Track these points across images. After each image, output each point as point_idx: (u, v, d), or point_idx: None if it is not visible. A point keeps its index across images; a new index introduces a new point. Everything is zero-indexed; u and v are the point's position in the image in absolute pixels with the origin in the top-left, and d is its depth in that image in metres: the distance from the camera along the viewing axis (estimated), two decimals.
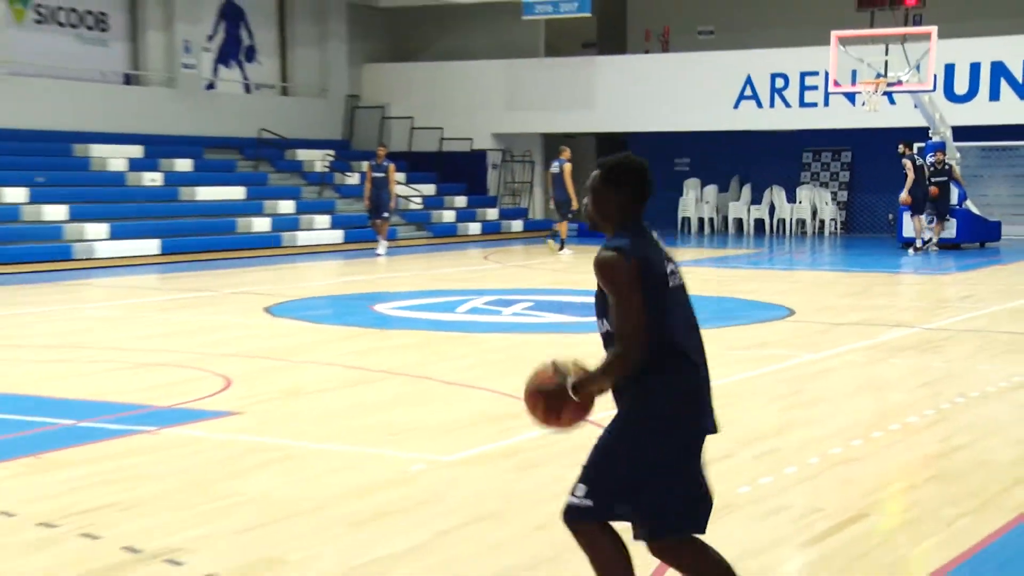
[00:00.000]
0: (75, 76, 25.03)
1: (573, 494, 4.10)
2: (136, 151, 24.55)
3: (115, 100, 25.44)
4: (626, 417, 4.10)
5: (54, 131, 23.85)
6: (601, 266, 4.00)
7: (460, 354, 11.28)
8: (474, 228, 28.39)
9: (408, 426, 8.02)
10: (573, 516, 4.10)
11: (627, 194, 4.15)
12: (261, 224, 24.21)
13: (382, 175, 22.78)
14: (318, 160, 28.20)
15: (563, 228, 23.58)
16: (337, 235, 25.02)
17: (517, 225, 29.56)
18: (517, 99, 29.67)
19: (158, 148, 25.06)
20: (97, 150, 23.95)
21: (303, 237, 24.40)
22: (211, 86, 28.15)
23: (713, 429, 4.10)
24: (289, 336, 12.53)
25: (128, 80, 26.48)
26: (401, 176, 28.28)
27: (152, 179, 24.02)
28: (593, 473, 4.11)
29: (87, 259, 20.44)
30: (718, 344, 10.47)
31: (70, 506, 6.04)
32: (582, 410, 4.14)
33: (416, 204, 28.22)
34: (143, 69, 26.44)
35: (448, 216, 28.47)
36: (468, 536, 5.64)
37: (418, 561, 5.28)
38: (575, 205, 22.53)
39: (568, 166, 22.95)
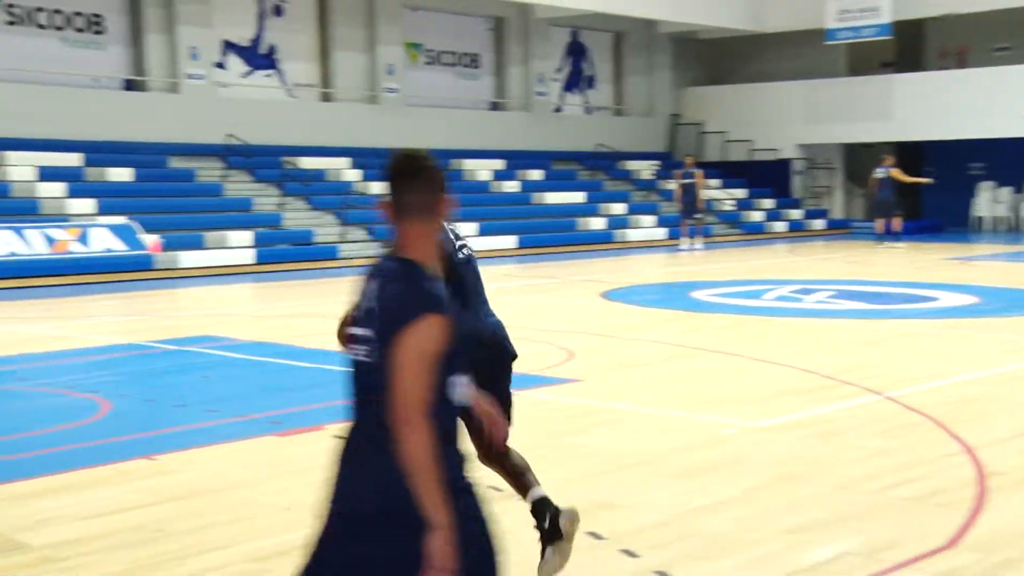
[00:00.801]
0: (453, 105, 26.21)
1: None
2: (499, 164, 25.43)
3: (483, 123, 26.47)
4: None
5: (436, 149, 25.06)
6: None
7: (767, 335, 10.99)
8: (780, 226, 27.59)
9: (721, 395, 7.90)
10: None
11: None
12: (597, 223, 24.51)
13: (691, 181, 22.58)
14: (645, 169, 28.33)
15: (897, 222, 22.83)
16: (661, 232, 24.97)
17: (819, 224, 28.50)
18: (819, 113, 28.60)
19: (516, 161, 25.87)
20: (468, 164, 24.99)
21: (632, 234, 24.52)
22: (558, 109, 28.74)
23: None
24: (621, 317, 12.61)
25: (494, 107, 27.47)
26: (716, 182, 27.89)
27: (511, 187, 24.81)
28: None
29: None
30: None
31: None
32: None
33: (729, 206, 27.77)
34: (507, 97, 27.35)
35: (757, 216, 27.81)
36: (774, 492, 5.49)
37: (730, 511, 5.19)
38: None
39: (895, 171, 22.28)
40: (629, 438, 6.68)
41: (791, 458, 6.13)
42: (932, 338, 10.73)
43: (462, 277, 4.07)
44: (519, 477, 4.31)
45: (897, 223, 23.02)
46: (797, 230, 27.72)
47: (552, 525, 4.12)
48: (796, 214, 28.58)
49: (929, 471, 5.80)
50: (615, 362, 9.43)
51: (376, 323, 2.64)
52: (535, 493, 4.23)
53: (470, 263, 4.19)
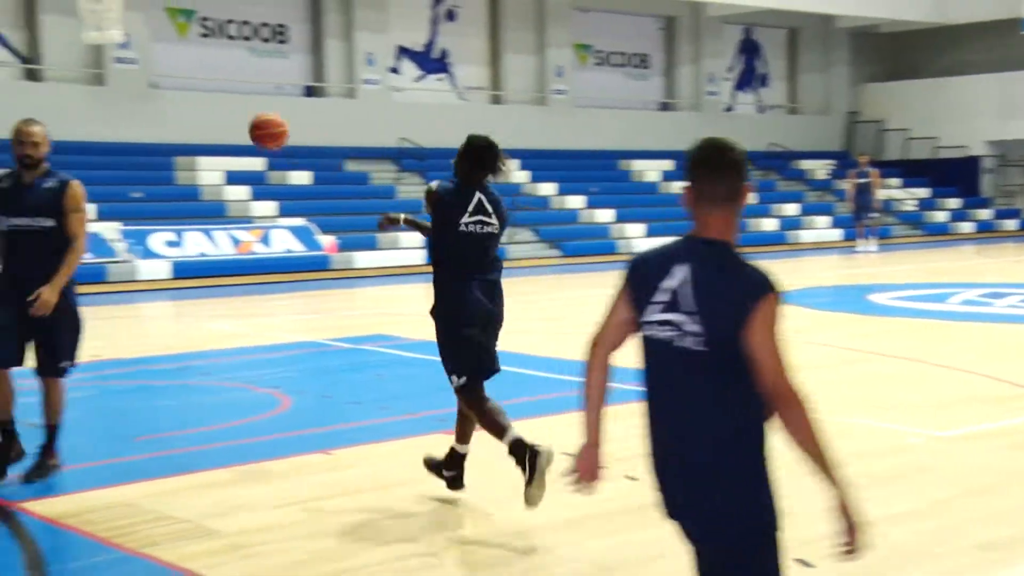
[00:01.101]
0: (622, 106, 26.09)
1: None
2: (668, 165, 25.14)
3: (652, 123, 26.24)
4: None
5: (605, 150, 25.00)
6: None
7: (952, 340, 10.47)
8: (966, 227, 26.30)
9: (903, 402, 7.55)
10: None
11: None
12: (769, 224, 23.93)
13: (866, 180, 21.73)
14: (820, 169, 27.46)
15: None
16: (836, 233, 24.18)
17: (1011, 224, 27.02)
18: (1014, 108, 27.09)
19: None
20: (636, 164, 24.81)
21: (805, 235, 23.82)
22: (730, 108, 28.22)
23: None
24: (792, 319, 12.20)
25: (664, 107, 27.19)
26: (896, 181, 26.81)
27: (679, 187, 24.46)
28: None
29: (629, 253, 21.19)
30: None
31: (615, 452, 6.25)
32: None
33: (911, 206, 26.63)
34: (677, 97, 27.04)
35: (941, 217, 26.58)
36: (964, 505, 5.20)
37: (916, 523, 4.95)
38: None
39: None
40: None
41: (982, 470, 5.79)
42: None
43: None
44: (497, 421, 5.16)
45: None
46: (986, 231, 26.36)
47: (531, 461, 4.92)
48: (985, 214, 27.18)
49: None
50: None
51: (703, 305, 2.69)
52: (512, 435, 5.05)
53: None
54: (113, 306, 13.84)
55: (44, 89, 18.83)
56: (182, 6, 20.63)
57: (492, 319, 5.20)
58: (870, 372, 8.82)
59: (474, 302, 5.09)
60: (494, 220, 5.14)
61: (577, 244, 21.00)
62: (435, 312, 5.24)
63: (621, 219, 22.24)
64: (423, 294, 16.92)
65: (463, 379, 5.13)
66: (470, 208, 5.08)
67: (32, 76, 19.13)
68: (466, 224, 5.07)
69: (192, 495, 5.53)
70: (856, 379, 8.52)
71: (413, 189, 21.58)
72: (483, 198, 5.12)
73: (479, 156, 5.12)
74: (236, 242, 17.54)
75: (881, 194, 22.82)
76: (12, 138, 5.87)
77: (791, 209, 24.93)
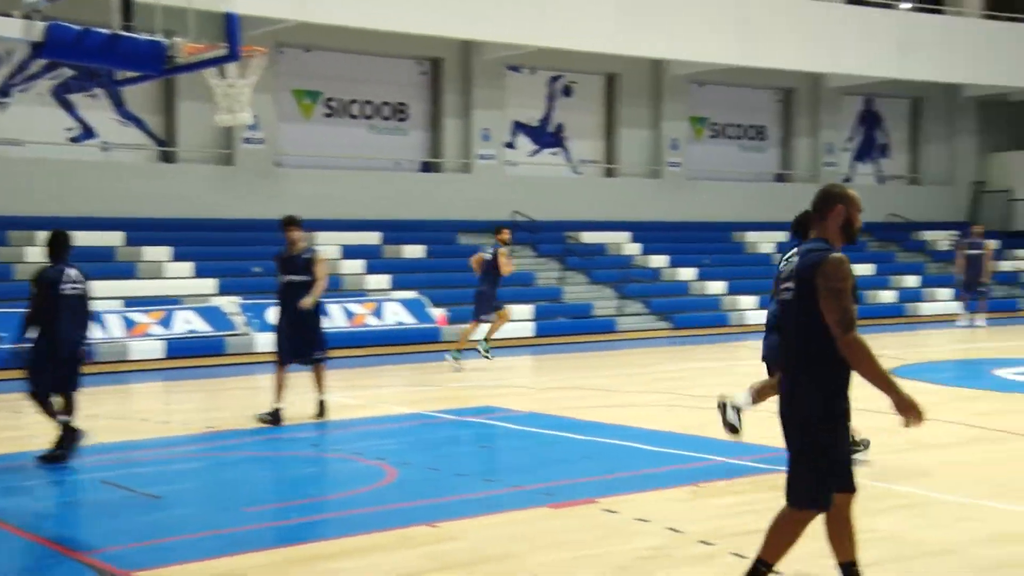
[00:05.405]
0: (736, 178, 25.94)
1: None
2: (782, 236, 24.73)
3: (767, 195, 25.96)
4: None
5: (719, 222, 24.82)
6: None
7: None
8: None
9: None
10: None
11: None
12: (887, 296, 23.31)
13: (979, 252, 20.96)
14: (942, 239, 26.67)
15: None
16: (957, 306, 23.34)
17: None
18: None
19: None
20: (751, 236, 24.53)
21: (925, 308, 23.12)
22: (848, 179, 27.71)
23: None
24: (914, 394, 11.79)
25: (779, 178, 26.91)
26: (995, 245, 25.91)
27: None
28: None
29: (740, 325, 20.91)
30: None
31: (723, 528, 6.12)
32: None
33: None
34: (793, 168, 26.75)
35: None
36: None
37: None
38: None
39: None
40: (925, 525, 6.19)
41: None
42: None
43: None
44: None
45: None
46: None
47: None
48: None
49: None
50: (907, 442, 8.80)
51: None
52: None
53: None
54: (231, 378, 14.24)
55: (176, 170, 19.71)
56: (309, 88, 21.43)
57: None
58: (997, 451, 8.46)
59: None
60: None
61: (689, 316, 20.77)
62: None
63: (734, 291, 21.94)
64: (530, 366, 16.90)
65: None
66: None
67: (167, 158, 20.05)
68: None
69: (298, 567, 5.59)
70: (982, 458, 8.18)
71: (525, 262, 21.74)
72: None
73: None
74: (350, 315, 17.89)
75: (1006, 265, 21.99)
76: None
77: (911, 281, 24.28)
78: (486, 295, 14.57)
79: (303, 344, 10.33)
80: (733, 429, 7.77)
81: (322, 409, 10.39)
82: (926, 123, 28.61)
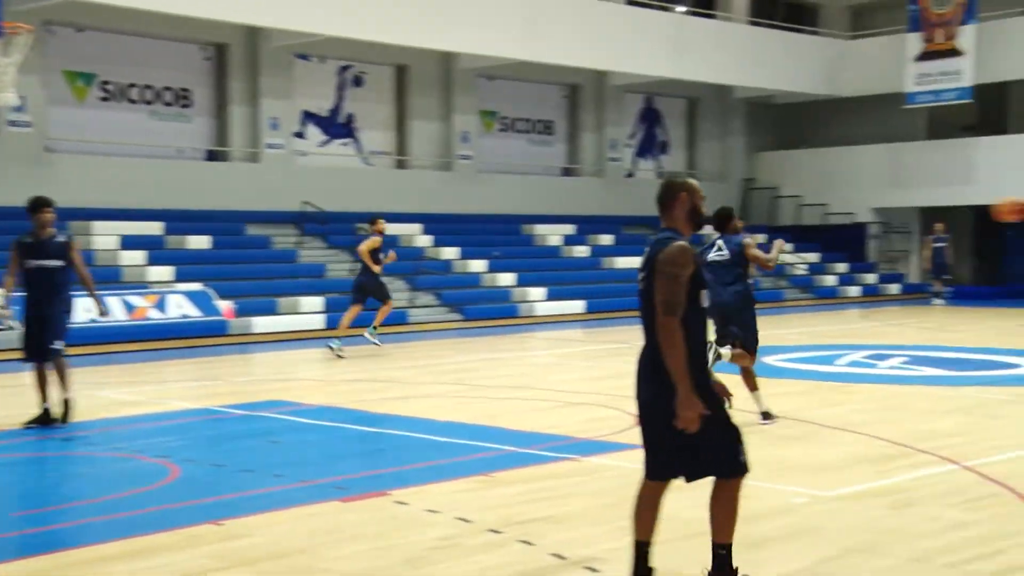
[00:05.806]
0: (525, 171, 26.47)
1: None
2: (569, 229, 25.51)
3: (555, 189, 26.64)
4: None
5: (508, 215, 25.26)
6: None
7: (839, 402, 10.77)
8: (854, 291, 27.17)
9: (790, 463, 7.73)
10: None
11: None
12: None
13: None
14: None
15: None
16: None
17: (894, 288, 28.02)
18: (898, 177, 28.25)
19: (586, 226, 25.92)
20: (539, 229, 25.11)
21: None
22: (630, 175, 28.82)
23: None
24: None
25: (567, 172, 27.64)
26: (789, 246, 27.59)
27: (580, 251, 24.82)
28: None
29: (529, 316, 21.39)
30: None
31: (512, 516, 6.28)
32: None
33: (801, 270, 27.44)
34: (579, 163, 27.54)
35: (830, 280, 27.44)
36: (846, 565, 5.33)
37: None
38: None
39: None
40: (696, 505, 6.54)
41: (864, 529, 5.95)
42: (1012, 406, 10.42)
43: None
44: None
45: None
46: (871, 295, 27.27)
47: None
48: (871, 279, 28.14)
49: (1009, 545, 5.59)
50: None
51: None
52: None
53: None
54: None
55: None
56: (82, 69, 20.36)
57: None
58: (763, 434, 9.00)
59: None
60: None
61: (481, 308, 21.07)
62: None
63: (523, 283, 22.41)
64: (321, 359, 16.75)
65: None
66: None
67: None
68: None
69: (74, 571, 5.36)
70: (750, 441, 8.64)
71: (315, 253, 21.48)
72: None
73: None
74: (130, 308, 17.17)
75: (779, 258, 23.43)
76: None
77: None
78: (367, 284, 15.36)
79: (42, 334, 9.54)
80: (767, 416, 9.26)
81: (67, 409, 9.58)
82: (702, 122, 30.08)
